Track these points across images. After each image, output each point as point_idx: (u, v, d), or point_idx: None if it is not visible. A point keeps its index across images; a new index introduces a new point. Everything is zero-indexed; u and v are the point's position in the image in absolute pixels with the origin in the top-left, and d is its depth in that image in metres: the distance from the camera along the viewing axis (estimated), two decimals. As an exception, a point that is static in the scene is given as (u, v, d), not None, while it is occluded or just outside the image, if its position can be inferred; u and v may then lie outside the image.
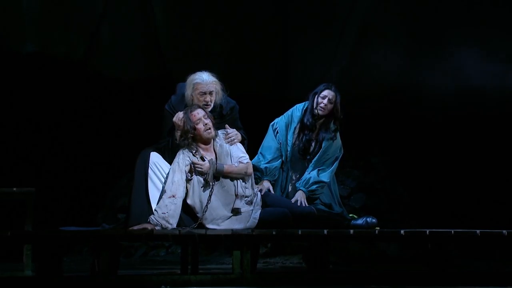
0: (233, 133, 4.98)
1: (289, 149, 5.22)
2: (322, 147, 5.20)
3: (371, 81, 8.84)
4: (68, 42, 8.63)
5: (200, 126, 4.78)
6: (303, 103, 5.32)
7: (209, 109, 4.93)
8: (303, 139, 5.22)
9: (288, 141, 5.23)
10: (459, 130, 8.99)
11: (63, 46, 8.65)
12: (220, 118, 5.04)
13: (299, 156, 5.24)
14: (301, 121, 5.25)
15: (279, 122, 5.31)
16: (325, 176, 5.16)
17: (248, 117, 5.27)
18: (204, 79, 4.92)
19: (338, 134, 5.27)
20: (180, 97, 5.01)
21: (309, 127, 5.22)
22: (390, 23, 8.71)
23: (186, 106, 4.95)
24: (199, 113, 4.79)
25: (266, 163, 5.17)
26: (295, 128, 5.25)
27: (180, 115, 4.82)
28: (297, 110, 5.31)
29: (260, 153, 5.24)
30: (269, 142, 5.24)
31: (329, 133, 5.22)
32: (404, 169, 9.07)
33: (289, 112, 5.33)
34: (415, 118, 9.06)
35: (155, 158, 4.87)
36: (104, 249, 4.42)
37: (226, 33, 8.74)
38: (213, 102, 4.95)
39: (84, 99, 8.84)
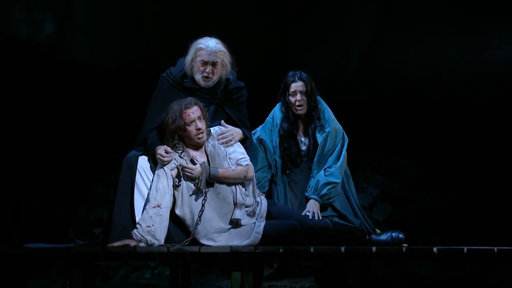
0: (228, 133, 4.95)
1: (277, 159, 5.26)
2: (318, 142, 5.23)
3: (396, 67, 8.82)
4: (33, 21, 8.64)
5: (191, 128, 4.78)
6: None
7: (209, 84, 4.90)
8: (287, 147, 5.27)
9: (274, 148, 5.28)
10: (507, 126, 8.94)
11: (26, 26, 8.65)
12: (225, 93, 4.98)
13: (291, 166, 5.30)
14: (281, 129, 5.31)
15: (261, 130, 5.38)
16: (335, 174, 5.18)
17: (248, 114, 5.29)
18: (210, 45, 4.87)
19: (331, 116, 5.29)
20: (180, 67, 4.97)
21: (288, 135, 5.27)
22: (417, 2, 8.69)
23: (185, 73, 4.93)
24: (194, 112, 4.78)
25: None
26: (278, 130, 5.31)
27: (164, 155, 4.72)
28: (278, 110, 5.36)
29: None
30: (253, 152, 5.25)
31: (316, 123, 5.26)
32: (438, 174, 9.07)
33: (270, 115, 5.41)
34: (451, 112, 9.03)
35: (144, 163, 4.84)
36: (77, 270, 4.44)
37: (223, 12, 8.71)
38: (216, 76, 4.90)
39: (52, 90, 8.85)
